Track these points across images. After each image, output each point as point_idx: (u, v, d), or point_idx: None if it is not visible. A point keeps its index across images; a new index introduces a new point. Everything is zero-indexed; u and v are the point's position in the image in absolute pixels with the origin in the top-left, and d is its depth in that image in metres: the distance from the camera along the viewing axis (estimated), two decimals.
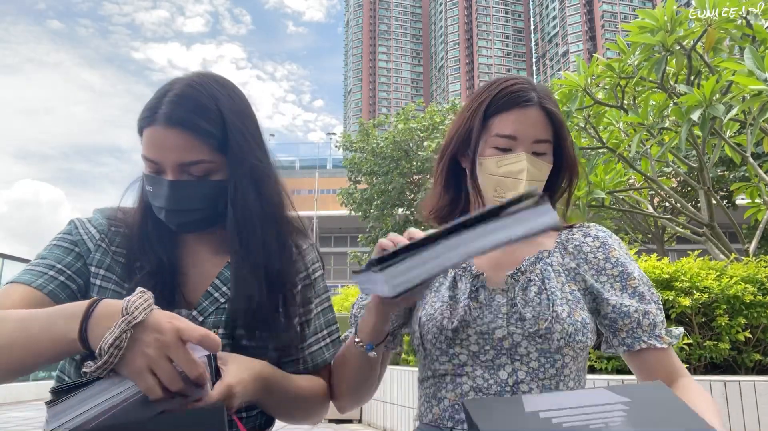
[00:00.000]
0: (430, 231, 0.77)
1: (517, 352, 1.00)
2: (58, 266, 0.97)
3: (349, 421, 6.36)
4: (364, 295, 1.18)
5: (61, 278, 0.96)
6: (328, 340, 1.12)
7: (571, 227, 1.16)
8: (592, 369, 3.49)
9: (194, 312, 1.00)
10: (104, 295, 0.98)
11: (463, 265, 1.11)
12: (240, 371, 0.86)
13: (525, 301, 1.03)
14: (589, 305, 1.06)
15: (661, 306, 1.06)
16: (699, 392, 0.97)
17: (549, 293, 1.03)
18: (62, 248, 1.01)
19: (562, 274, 1.07)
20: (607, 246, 1.10)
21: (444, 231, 0.74)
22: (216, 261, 1.07)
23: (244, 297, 0.99)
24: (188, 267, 1.06)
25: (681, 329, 1.08)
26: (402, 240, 0.85)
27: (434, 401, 1.06)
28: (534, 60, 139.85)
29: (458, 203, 1.20)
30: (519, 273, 1.07)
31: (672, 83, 4.80)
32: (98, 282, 1.00)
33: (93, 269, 1.01)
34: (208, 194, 0.99)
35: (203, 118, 0.96)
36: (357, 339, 1.00)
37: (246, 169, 1.01)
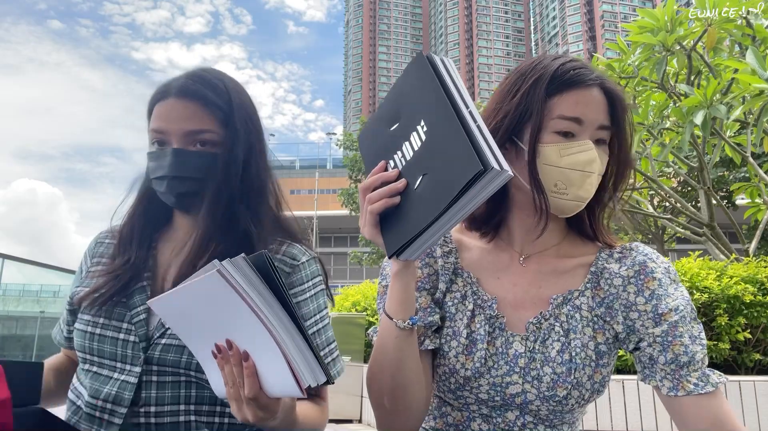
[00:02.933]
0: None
1: (527, 407, 0.94)
2: (63, 318, 1.16)
3: (349, 421, 6.36)
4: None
5: (64, 332, 1.16)
6: (330, 358, 1.07)
7: (611, 247, 1.00)
8: None
9: None
10: (89, 303, 1.04)
11: (484, 297, 0.99)
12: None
13: (545, 358, 0.93)
14: (614, 344, 0.97)
15: (704, 343, 0.92)
16: None
17: (572, 353, 0.92)
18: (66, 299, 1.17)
19: (590, 324, 0.95)
20: (642, 275, 0.94)
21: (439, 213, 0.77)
22: None
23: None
24: (179, 256, 1.06)
25: (722, 378, 0.91)
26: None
27: (437, 413, 1.03)
28: None
29: (499, 208, 1.01)
30: (542, 319, 0.96)
31: (672, 83, 4.80)
32: (88, 295, 1.05)
33: (78, 289, 1.09)
34: (208, 165, 1.01)
35: (212, 91, 1.03)
36: (393, 318, 0.89)
37: (239, 147, 1.03)
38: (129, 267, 1.05)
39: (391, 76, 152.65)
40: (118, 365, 0.99)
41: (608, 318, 0.96)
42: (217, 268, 0.73)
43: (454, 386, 0.97)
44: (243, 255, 0.75)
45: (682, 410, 0.90)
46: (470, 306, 0.99)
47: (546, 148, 0.91)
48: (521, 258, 1.02)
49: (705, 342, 0.93)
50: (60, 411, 0.96)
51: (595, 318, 0.96)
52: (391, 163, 0.85)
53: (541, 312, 0.96)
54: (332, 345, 1.09)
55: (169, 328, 0.97)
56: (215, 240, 1.01)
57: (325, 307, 1.09)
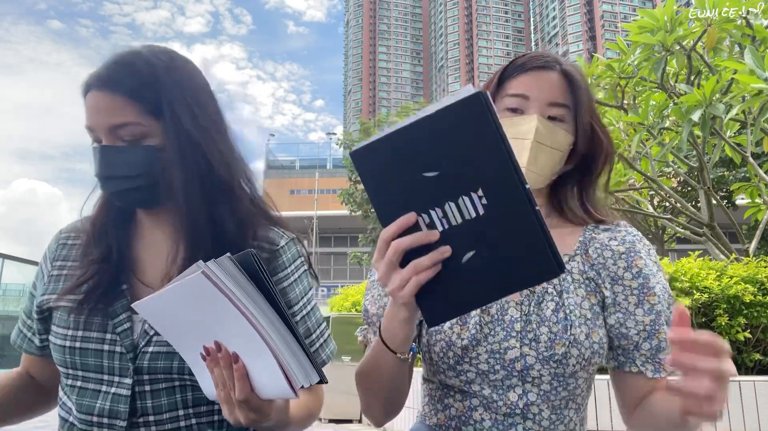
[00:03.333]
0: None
1: (529, 374, 0.94)
2: (27, 325, 1.08)
3: (349, 421, 6.35)
4: (383, 293, 1.08)
5: (36, 342, 1.07)
6: (321, 340, 1.05)
7: (600, 222, 1.06)
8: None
9: None
10: (63, 313, 0.98)
11: None
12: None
13: (540, 319, 0.95)
14: (602, 308, 1.01)
15: None
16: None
17: (567, 311, 0.95)
18: (27, 305, 1.09)
19: (582, 285, 0.99)
20: (632, 253, 1.00)
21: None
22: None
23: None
24: (152, 255, 1.02)
25: None
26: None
27: (440, 406, 1.03)
28: None
29: None
30: None
31: (672, 83, 4.80)
32: (60, 303, 0.99)
33: (46, 297, 1.01)
34: (139, 160, 0.93)
35: (133, 78, 0.93)
36: (396, 352, 0.87)
37: (183, 135, 0.95)
38: (104, 268, 0.98)
39: (390, 76, 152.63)
40: (106, 377, 0.93)
41: (599, 282, 1.00)
42: (201, 270, 0.70)
43: (453, 360, 0.97)
44: (228, 254, 0.72)
45: (654, 392, 0.95)
46: None
47: None
48: None
49: None
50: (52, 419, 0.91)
51: (587, 281, 1.00)
52: (425, 217, 0.72)
53: None
54: (322, 327, 1.06)
55: (154, 335, 0.93)
56: (200, 237, 0.95)
57: (311, 288, 1.06)
